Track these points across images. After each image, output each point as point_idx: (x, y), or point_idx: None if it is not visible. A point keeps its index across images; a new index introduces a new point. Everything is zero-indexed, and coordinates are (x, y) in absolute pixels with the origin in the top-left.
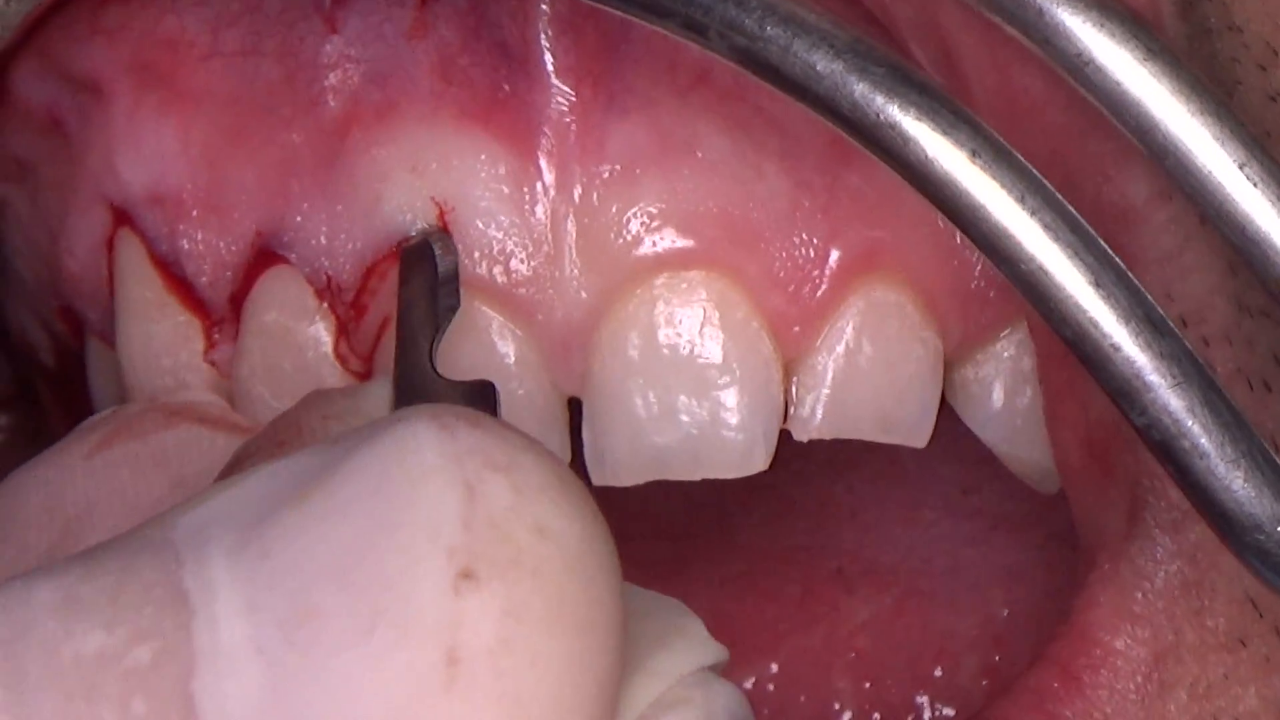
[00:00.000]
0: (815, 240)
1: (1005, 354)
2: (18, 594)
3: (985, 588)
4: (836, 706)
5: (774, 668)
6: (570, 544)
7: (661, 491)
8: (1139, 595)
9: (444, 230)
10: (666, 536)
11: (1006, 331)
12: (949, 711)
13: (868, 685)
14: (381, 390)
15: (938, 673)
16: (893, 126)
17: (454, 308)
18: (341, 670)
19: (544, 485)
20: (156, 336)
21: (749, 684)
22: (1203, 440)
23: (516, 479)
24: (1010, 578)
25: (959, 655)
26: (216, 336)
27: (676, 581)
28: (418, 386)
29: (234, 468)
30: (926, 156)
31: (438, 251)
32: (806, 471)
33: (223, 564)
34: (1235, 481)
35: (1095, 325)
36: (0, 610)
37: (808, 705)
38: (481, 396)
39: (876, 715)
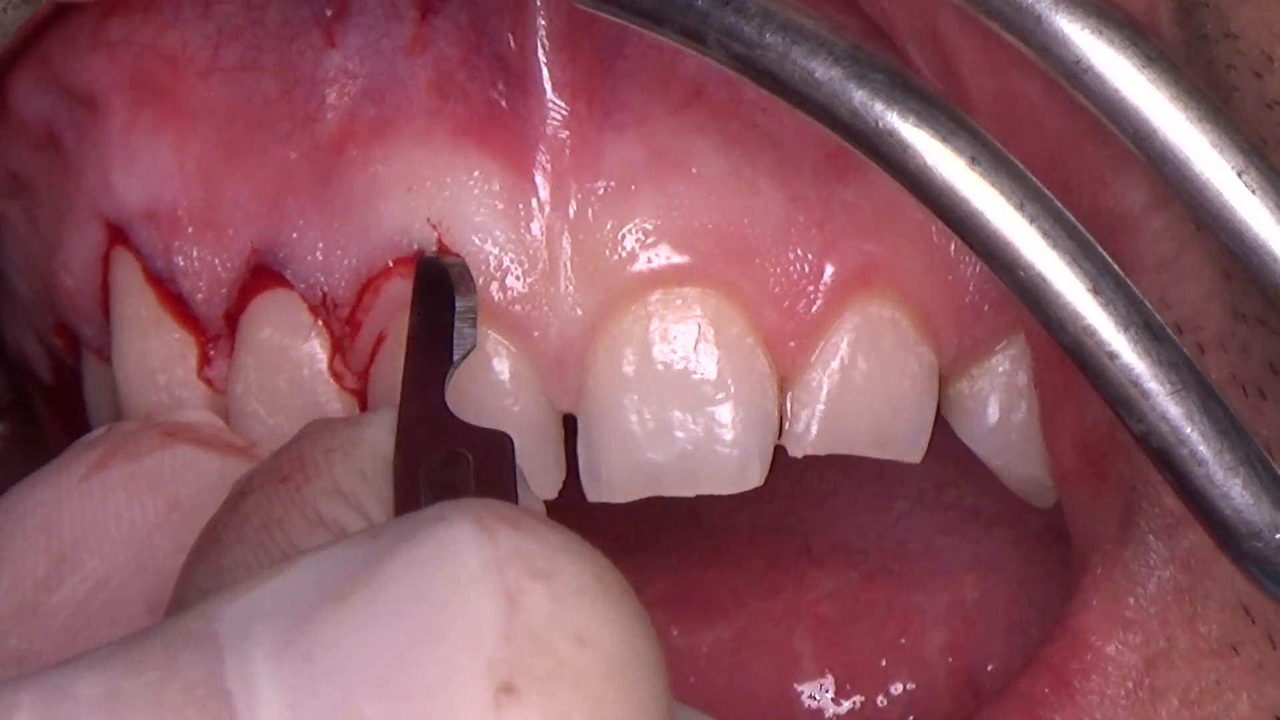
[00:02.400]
0: (810, 256)
1: (1000, 368)
2: (61, 686)
3: (956, 572)
4: (796, 668)
5: (734, 629)
6: (610, 650)
7: None
8: (1131, 600)
9: (462, 262)
10: (634, 518)
11: (1001, 346)
12: (911, 684)
13: (829, 649)
14: (385, 420)
15: (902, 641)
16: (891, 133)
17: (471, 345)
18: None
19: (583, 589)
20: (151, 353)
21: (706, 646)
22: (1201, 447)
23: (556, 585)
24: (983, 566)
25: (925, 628)
26: (211, 353)
27: (641, 557)
28: (429, 424)
29: (237, 501)
30: (925, 163)
31: (455, 281)
32: (779, 459)
33: (265, 664)
34: (1233, 489)
35: (1093, 332)
36: (43, 703)
37: (767, 665)
38: (496, 447)
39: (831, 676)
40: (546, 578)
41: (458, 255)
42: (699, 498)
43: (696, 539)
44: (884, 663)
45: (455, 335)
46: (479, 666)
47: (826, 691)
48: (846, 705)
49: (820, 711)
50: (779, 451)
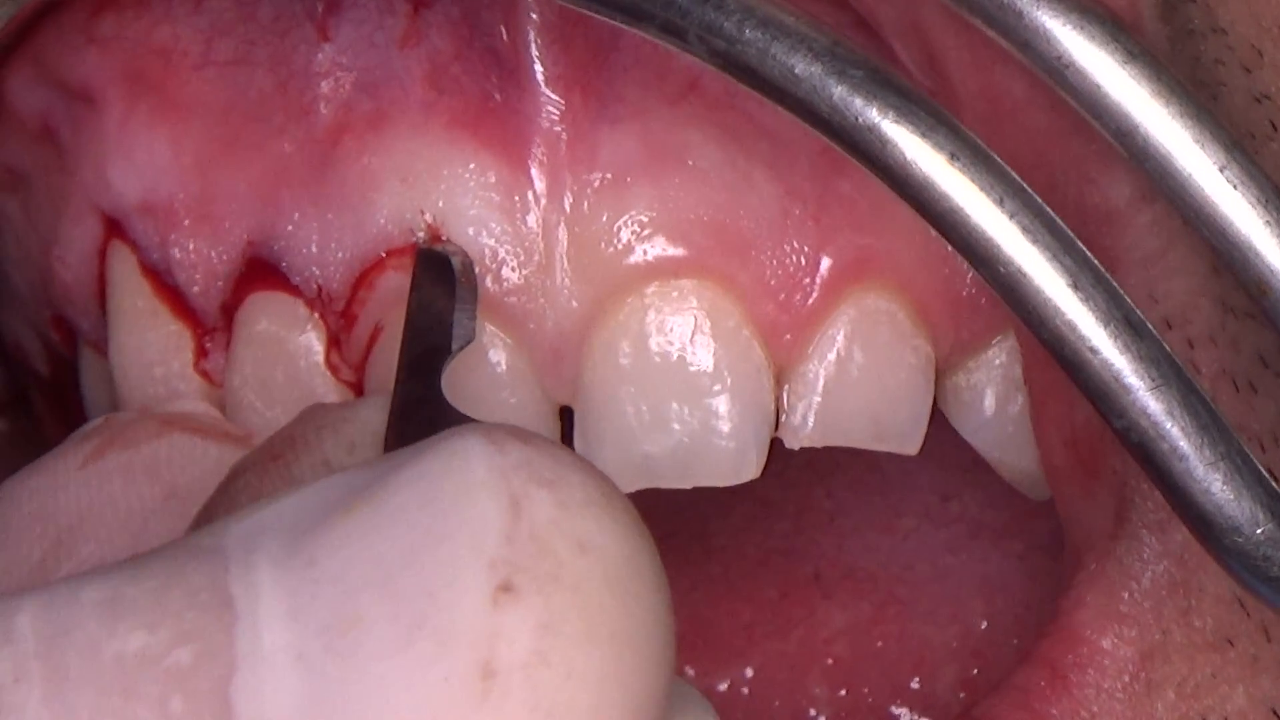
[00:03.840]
0: (806, 248)
1: (996, 361)
2: (65, 593)
3: (965, 598)
4: (812, 712)
5: (749, 672)
6: (611, 559)
7: (639, 492)
8: (1126, 595)
9: (464, 253)
10: None
11: (998, 339)
12: None
13: (843, 693)
14: (378, 402)
15: (914, 683)
16: (871, 129)
17: (470, 338)
18: (379, 679)
19: (588, 500)
20: (148, 346)
21: (723, 687)
22: (1181, 443)
23: (561, 494)
24: (990, 587)
25: (936, 666)
26: (208, 345)
27: None
28: (424, 408)
29: (231, 483)
30: (905, 159)
31: (458, 273)
32: (785, 475)
33: (269, 570)
34: (1214, 484)
35: (1073, 328)
36: (46, 607)
37: (782, 710)
38: None
39: None
40: (552, 485)
41: (459, 247)
42: (708, 516)
43: (706, 565)
44: (897, 705)
45: (455, 326)
46: (480, 566)
47: None
48: None
49: None
50: (787, 469)
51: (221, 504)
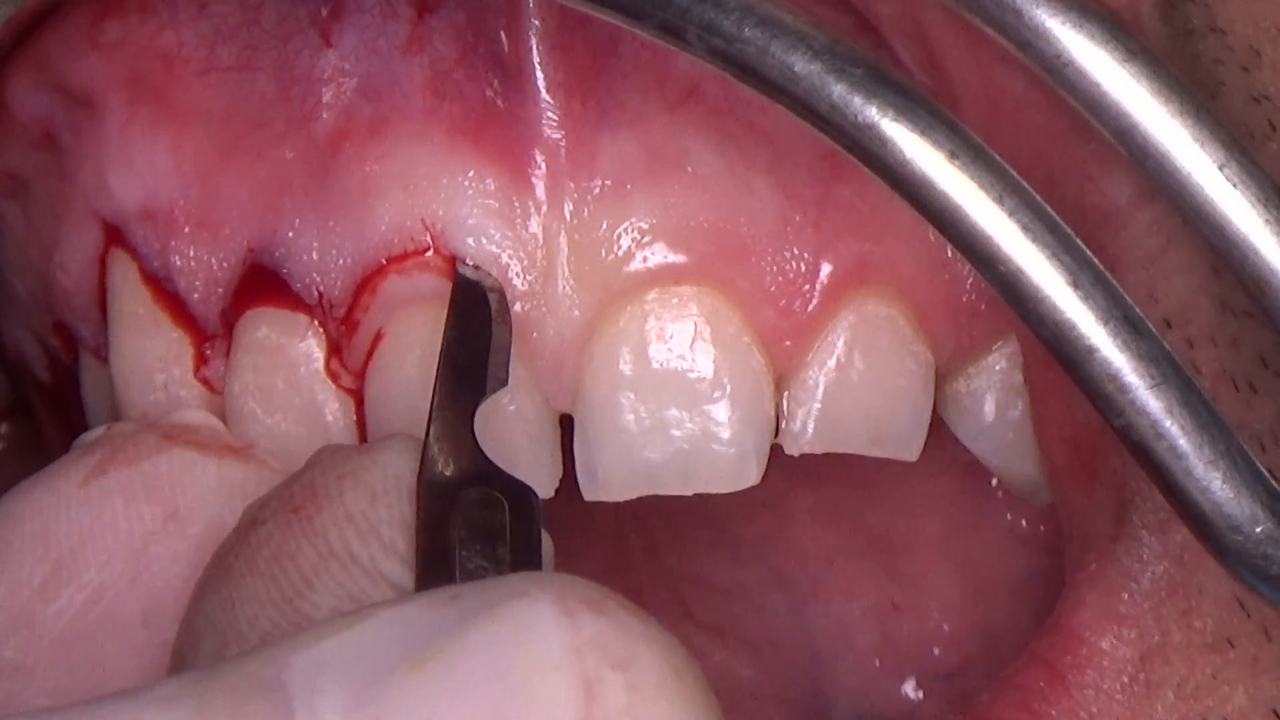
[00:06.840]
0: (806, 254)
1: (997, 367)
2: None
3: (967, 548)
4: (788, 621)
5: (731, 590)
6: None
7: None
8: (1125, 596)
9: (501, 290)
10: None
11: (998, 345)
12: (906, 648)
13: (821, 607)
14: (399, 445)
15: (897, 600)
16: (871, 127)
17: (503, 383)
18: None
19: (660, 683)
20: (148, 353)
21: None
22: (1181, 441)
23: (634, 677)
24: (997, 547)
25: (929, 586)
26: (208, 353)
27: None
28: (459, 456)
29: (248, 531)
30: (904, 157)
31: (495, 312)
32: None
33: None
34: (1214, 483)
35: (1073, 327)
36: None
37: (761, 620)
38: (523, 497)
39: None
40: (625, 668)
41: (496, 280)
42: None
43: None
44: (879, 617)
45: (490, 367)
46: None
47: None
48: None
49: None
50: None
51: (242, 555)
